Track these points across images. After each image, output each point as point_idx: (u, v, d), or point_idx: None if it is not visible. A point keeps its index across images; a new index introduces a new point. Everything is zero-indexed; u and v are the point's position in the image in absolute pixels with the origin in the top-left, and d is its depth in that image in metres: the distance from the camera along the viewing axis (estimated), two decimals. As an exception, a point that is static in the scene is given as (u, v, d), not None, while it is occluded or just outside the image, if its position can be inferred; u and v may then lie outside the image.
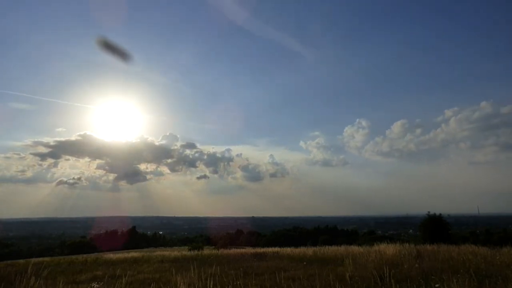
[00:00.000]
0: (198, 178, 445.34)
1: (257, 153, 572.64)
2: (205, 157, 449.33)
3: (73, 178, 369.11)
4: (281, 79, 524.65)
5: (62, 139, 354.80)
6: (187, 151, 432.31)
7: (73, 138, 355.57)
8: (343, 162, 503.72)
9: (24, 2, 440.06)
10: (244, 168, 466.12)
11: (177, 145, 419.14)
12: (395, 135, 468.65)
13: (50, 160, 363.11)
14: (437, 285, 6.17)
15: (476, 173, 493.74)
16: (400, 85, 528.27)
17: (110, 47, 7.74)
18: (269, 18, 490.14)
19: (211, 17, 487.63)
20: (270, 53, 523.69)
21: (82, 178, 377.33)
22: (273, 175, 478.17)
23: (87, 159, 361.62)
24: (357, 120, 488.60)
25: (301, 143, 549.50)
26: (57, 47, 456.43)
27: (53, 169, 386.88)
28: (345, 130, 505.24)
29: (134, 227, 76.06)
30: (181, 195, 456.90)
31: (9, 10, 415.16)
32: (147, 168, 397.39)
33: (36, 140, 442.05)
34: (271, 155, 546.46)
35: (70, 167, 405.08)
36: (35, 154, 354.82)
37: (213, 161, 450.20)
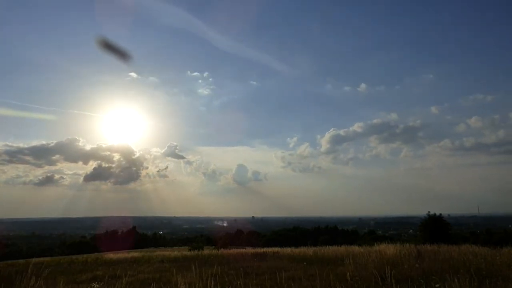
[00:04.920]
0: (193, 178, 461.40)
1: (254, 153, 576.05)
2: (199, 158, 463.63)
3: (71, 179, 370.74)
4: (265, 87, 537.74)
5: (62, 141, 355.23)
6: (182, 154, 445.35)
7: (73, 140, 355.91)
8: (314, 169, 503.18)
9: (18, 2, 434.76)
10: (237, 170, 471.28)
11: (172, 148, 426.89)
12: (326, 147, 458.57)
13: (49, 162, 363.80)
14: (437, 285, 6.15)
15: (475, 175, 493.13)
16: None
17: (110, 47, 7.73)
18: (250, 42, 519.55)
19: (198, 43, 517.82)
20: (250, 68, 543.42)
21: (81, 179, 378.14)
22: (257, 177, 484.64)
23: (84, 161, 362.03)
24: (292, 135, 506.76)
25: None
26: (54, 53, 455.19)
27: (53, 170, 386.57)
28: (288, 142, 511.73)
29: (134, 227, 76.02)
30: (181, 195, 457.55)
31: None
32: (146, 169, 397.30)
33: (35, 142, 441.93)
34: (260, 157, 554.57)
35: (68, 169, 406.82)
36: (34, 156, 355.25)
37: (207, 163, 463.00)
